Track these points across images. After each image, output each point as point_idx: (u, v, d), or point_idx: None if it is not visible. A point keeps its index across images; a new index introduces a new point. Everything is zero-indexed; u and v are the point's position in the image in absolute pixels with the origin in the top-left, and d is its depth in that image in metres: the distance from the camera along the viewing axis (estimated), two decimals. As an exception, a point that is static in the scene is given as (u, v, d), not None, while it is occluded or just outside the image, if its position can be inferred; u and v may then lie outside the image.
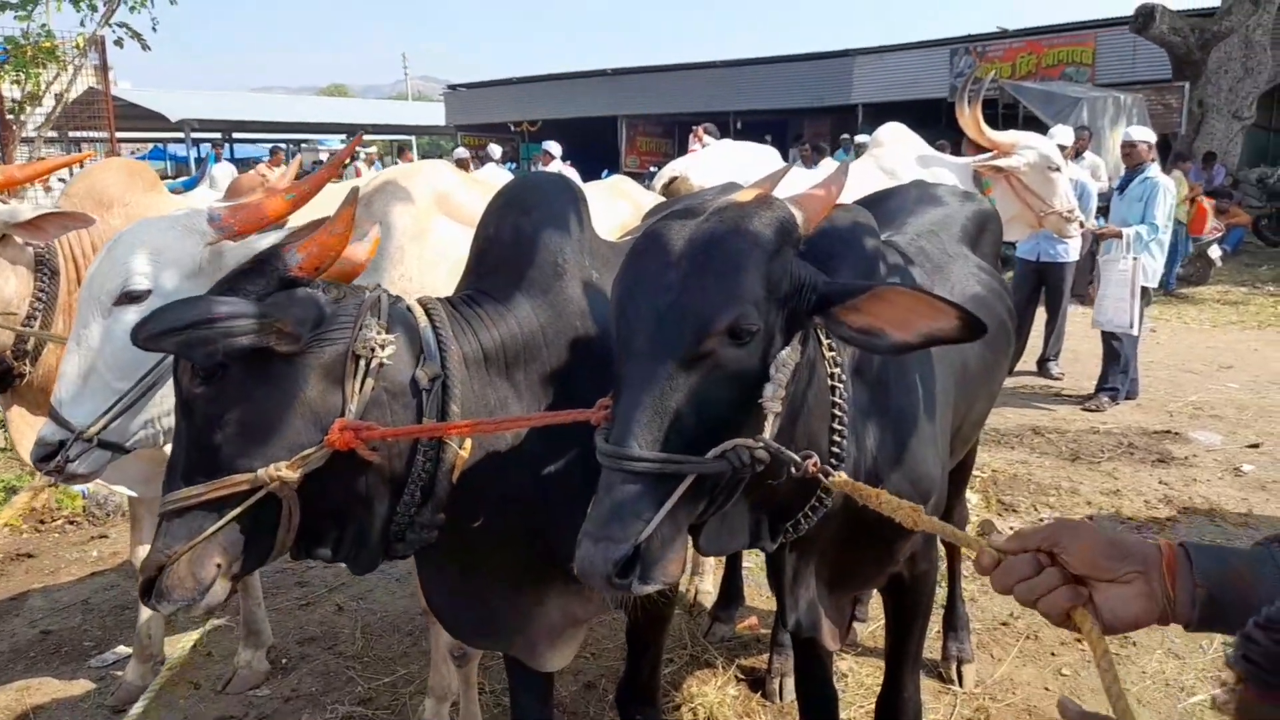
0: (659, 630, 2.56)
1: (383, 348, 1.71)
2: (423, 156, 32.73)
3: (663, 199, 4.39)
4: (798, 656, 2.44)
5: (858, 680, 3.48)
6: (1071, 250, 7.65)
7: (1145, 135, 7.16)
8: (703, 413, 1.41)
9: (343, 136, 32.91)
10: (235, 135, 27.96)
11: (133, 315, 2.00)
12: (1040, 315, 7.95)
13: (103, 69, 5.77)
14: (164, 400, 2.09)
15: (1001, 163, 4.75)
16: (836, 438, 1.75)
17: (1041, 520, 4.86)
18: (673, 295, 1.43)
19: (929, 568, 2.30)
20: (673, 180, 5.55)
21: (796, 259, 1.53)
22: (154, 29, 5.88)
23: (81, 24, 5.79)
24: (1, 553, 4.79)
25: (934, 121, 16.41)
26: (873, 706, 3.28)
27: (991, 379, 2.63)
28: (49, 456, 1.98)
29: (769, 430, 1.45)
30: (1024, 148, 4.78)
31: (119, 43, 5.87)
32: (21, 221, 2.55)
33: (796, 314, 1.51)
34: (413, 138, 36.07)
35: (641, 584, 1.35)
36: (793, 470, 1.51)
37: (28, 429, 2.86)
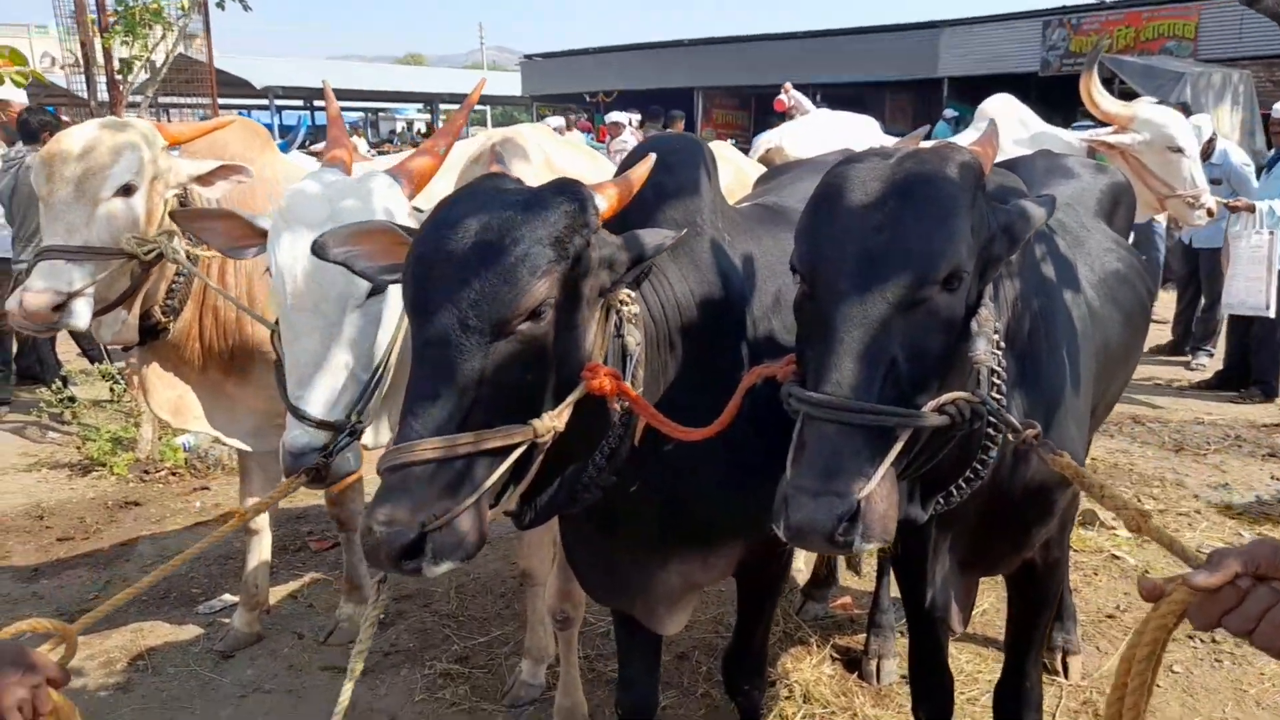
0: (772, 600, 2.52)
1: (632, 301, 1.73)
2: (497, 126, 32.90)
3: (763, 167, 4.32)
4: (914, 638, 2.38)
5: (957, 666, 3.40)
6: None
7: None
8: (915, 363, 1.37)
9: (419, 105, 33.24)
10: (315, 103, 28.42)
11: (376, 304, 2.00)
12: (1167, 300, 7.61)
13: (206, 32, 5.86)
14: (388, 379, 2.11)
15: (1113, 139, 4.50)
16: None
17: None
18: (885, 237, 1.38)
19: (1061, 555, 2.22)
20: (767, 151, 5.46)
21: (987, 205, 1.47)
22: (255, -10, 5.95)
23: (185, -15, 5.88)
24: (112, 500, 4.98)
25: (1023, 97, 15.80)
26: (974, 694, 3.24)
27: (1129, 359, 2.52)
28: (302, 456, 1.97)
29: (984, 386, 1.40)
30: (1142, 123, 4.53)
31: (220, 4, 5.96)
32: (201, 175, 2.68)
33: (989, 261, 1.46)
34: (487, 108, 36.25)
35: (864, 541, 1.30)
36: (1009, 437, 1.45)
37: (159, 383, 2.98)
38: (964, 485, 1.71)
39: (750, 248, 2.18)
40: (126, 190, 2.60)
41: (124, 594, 1.77)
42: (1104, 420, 2.71)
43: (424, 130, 30.14)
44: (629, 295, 1.78)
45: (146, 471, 5.32)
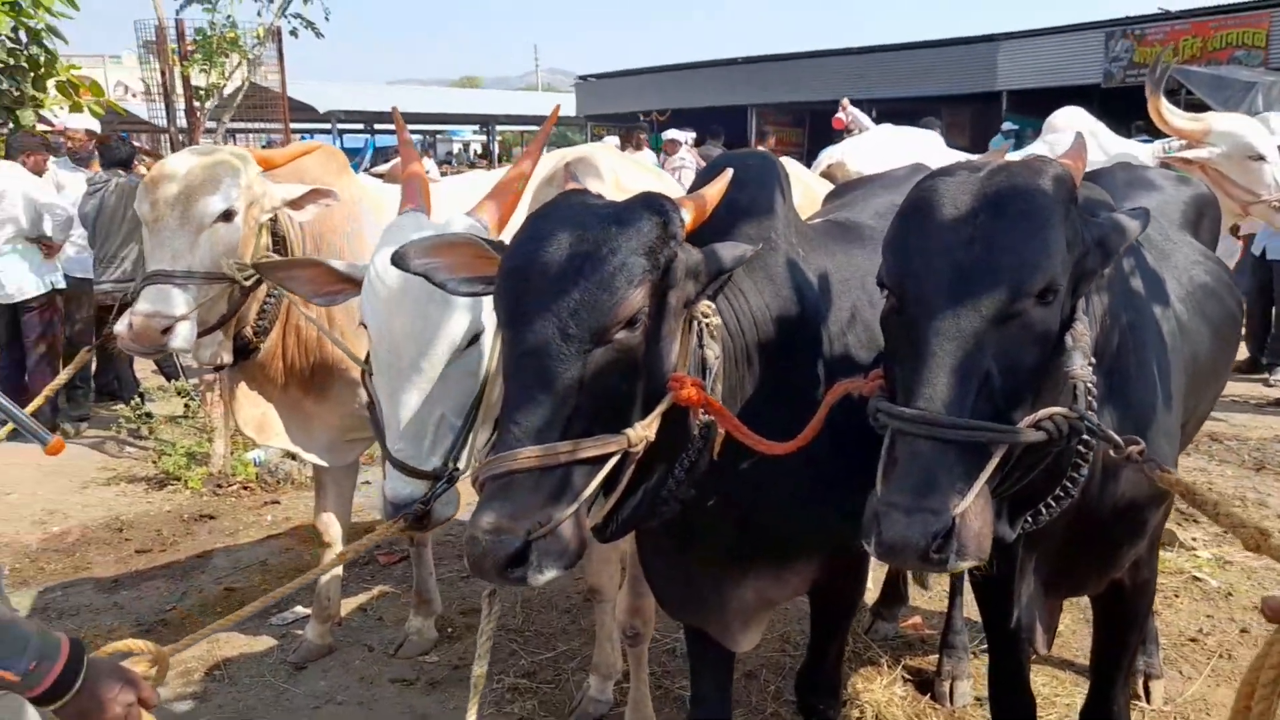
0: (846, 619, 2.49)
1: (711, 314, 1.75)
2: (553, 146, 33.26)
3: (828, 182, 4.31)
4: (995, 659, 2.32)
5: (1033, 689, 3.32)
6: None
7: None
8: (1009, 379, 1.35)
9: (475, 127, 33.77)
10: (376, 126, 29.07)
11: (474, 353, 2.02)
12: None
13: (279, 59, 6.04)
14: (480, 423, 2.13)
15: (1190, 154, 4.41)
16: None
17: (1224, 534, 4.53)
18: (979, 250, 1.37)
19: (1150, 576, 2.16)
20: (829, 166, 5.44)
21: (1080, 218, 1.45)
22: (326, 18, 6.12)
23: (259, 14, 6.07)
24: (187, 514, 5.12)
25: (1085, 110, 15.52)
26: (1051, 718, 3.15)
27: (1219, 374, 2.45)
28: (403, 506, 2.00)
29: (1081, 402, 1.38)
30: (1217, 135, 4.43)
31: (294, 32, 6.15)
32: (293, 199, 2.77)
33: (1082, 275, 1.44)
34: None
35: (959, 559, 1.29)
36: (1111, 453, 1.42)
37: (245, 401, 3.09)
38: (1053, 503, 1.67)
39: (824, 263, 2.18)
40: (226, 216, 2.68)
41: (221, 621, 1.86)
42: (1193, 437, 2.63)
43: (480, 151, 30.62)
44: (710, 308, 1.79)
45: (219, 486, 5.46)
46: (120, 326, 2.61)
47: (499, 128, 32.78)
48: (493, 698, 3.35)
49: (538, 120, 35.97)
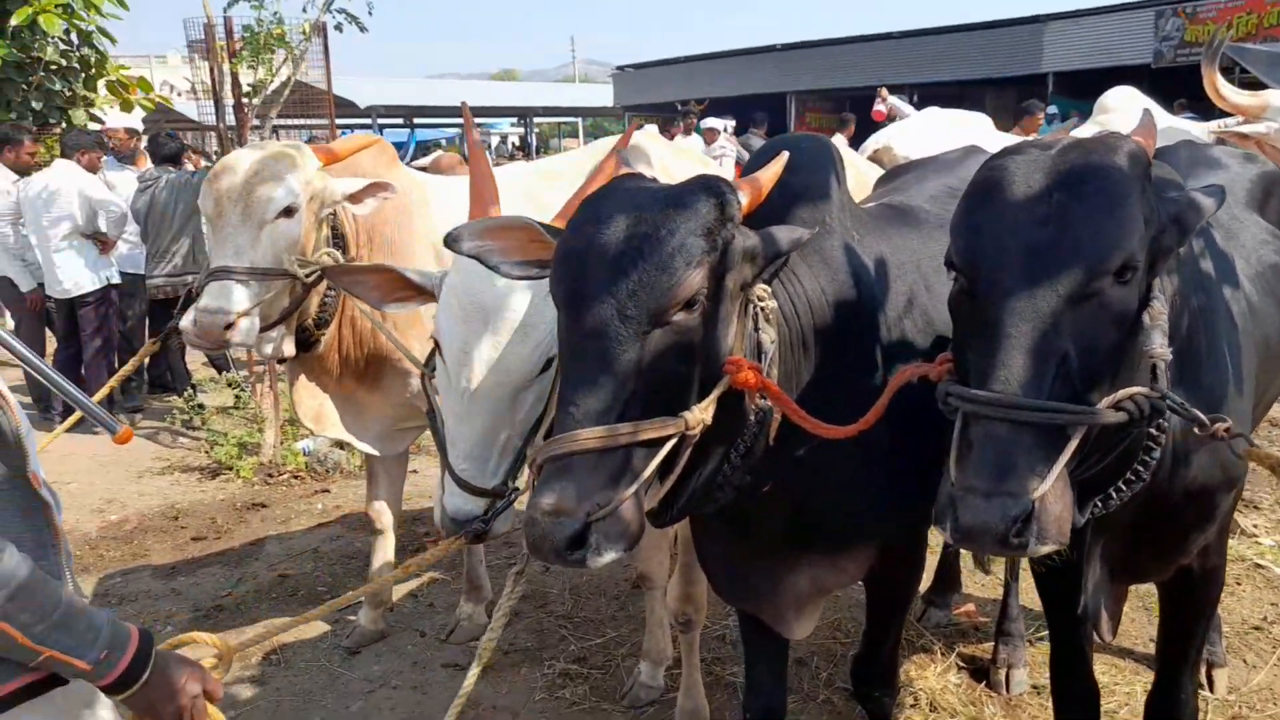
0: (903, 607, 2.46)
1: (767, 298, 1.73)
2: (590, 138, 33.28)
3: (875, 165, 4.25)
4: (1057, 647, 2.29)
5: (1091, 678, 3.27)
6: None
7: None
8: (1087, 359, 1.33)
9: (513, 120, 33.89)
10: (416, 120, 29.29)
11: (545, 378, 2.01)
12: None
13: (325, 55, 6.09)
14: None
15: (1248, 129, 4.27)
16: None
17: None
18: (1054, 229, 1.34)
19: (1220, 563, 2.10)
20: (875, 151, 5.37)
21: (1154, 195, 1.42)
22: (370, 12, 6.17)
23: (304, 9, 6.12)
24: (240, 502, 5.21)
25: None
26: (1111, 706, 3.09)
27: (1289, 357, 2.37)
28: (464, 523, 2.02)
29: (1162, 381, 1.35)
30: (1275, 110, 4.30)
31: (339, 27, 6.19)
32: (352, 193, 2.80)
33: (1158, 253, 1.40)
34: (579, 119, 36.70)
35: (1039, 543, 1.27)
36: (1196, 431, 1.39)
37: (304, 393, 3.14)
38: (1124, 488, 1.63)
39: (880, 248, 2.15)
40: (288, 211, 2.70)
41: (286, 622, 1.89)
42: (1261, 420, 2.56)
43: (517, 143, 30.72)
44: (765, 291, 1.78)
45: (270, 475, 5.55)
46: (185, 322, 2.65)
47: (536, 120, 32.85)
48: (544, 683, 3.37)
49: (575, 112, 36.09)
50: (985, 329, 1.37)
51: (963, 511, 1.28)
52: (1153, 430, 1.56)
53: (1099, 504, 1.64)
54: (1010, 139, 5.37)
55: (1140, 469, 1.60)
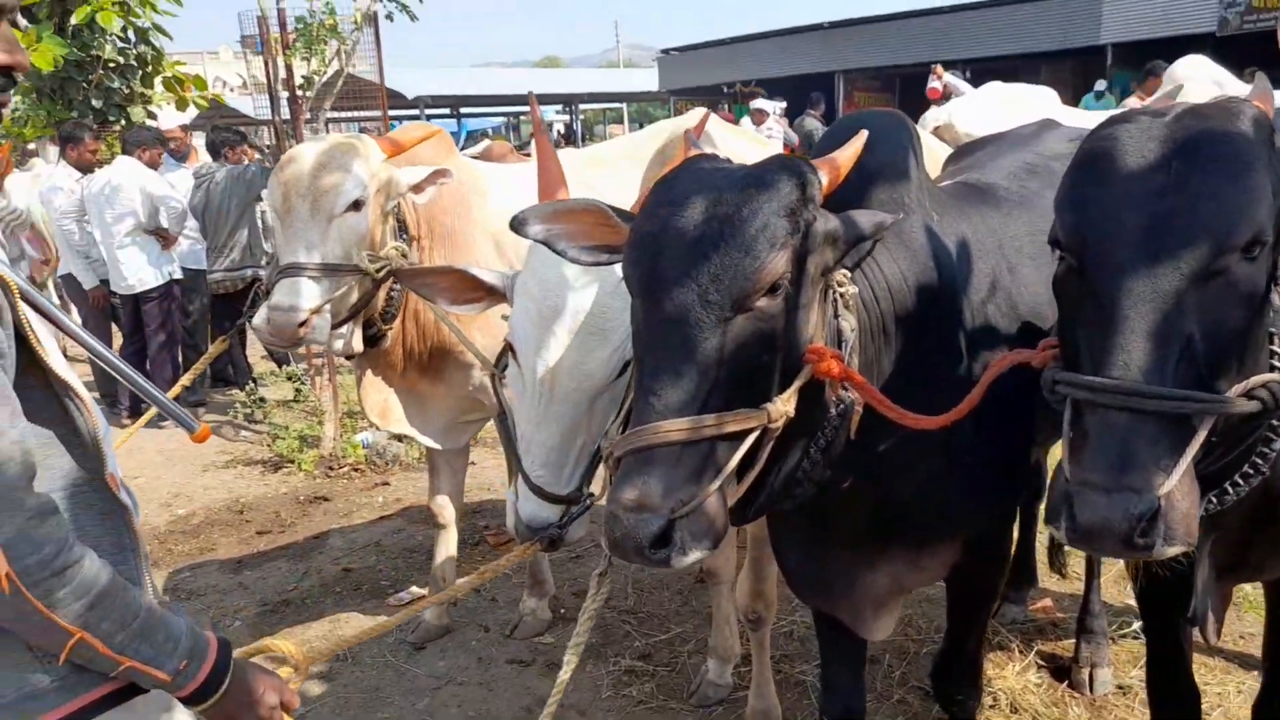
0: (987, 605, 2.37)
1: (847, 284, 1.67)
2: (635, 124, 33.16)
3: (940, 142, 4.11)
4: (1156, 649, 2.17)
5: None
6: None
7: None
8: (1213, 343, 1.23)
9: (558, 107, 33.88)
10: (462, 110, 29.44)
11: (621, 383, 1.96)
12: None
13: (376, 46, 6.08)
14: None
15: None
16: None
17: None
18: (1173, 202, 1.24)
19: (1336, 561, 1.96)
20: (936, 128, 5.22)
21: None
22: (421, 0, 6.14)
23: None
24: (302, 495, 5.26)
25: (1202, 59, 14.59)
26: (1204, 707, 2.96)
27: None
28: (539, 530, 1.99)
29: None
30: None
31: (390, 16, 6.18)
32: (415, 183, 2.77)
33: None
34: (624, 105, 36.60)
35: (1166, 544, 1.17)
36: None
37: (370, 388, 3.12)
38: (1241, 482, 1.52)
39: (960, 228, 2.05)
40: (356, 205, 2.67)
41: (364, 632, 1.86)
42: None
43: (562, 131, 30.72)
44: (845, 276, 1.69)
45: (331, 468, 5.59)
46: (257, 320, 2.64)
47: (581, 106, 32.80)
48: (610, 680, 3.33)
49: (620, 97, 35.98)
50: (1099, 311, 1.27)
51: (1080, 509, 1.18)
52: (1275, 421, 1.45)
53: (1214, 499, 1.53)
54: (1076, 113, 5.17)
55: (1259, 461, 1.50)
